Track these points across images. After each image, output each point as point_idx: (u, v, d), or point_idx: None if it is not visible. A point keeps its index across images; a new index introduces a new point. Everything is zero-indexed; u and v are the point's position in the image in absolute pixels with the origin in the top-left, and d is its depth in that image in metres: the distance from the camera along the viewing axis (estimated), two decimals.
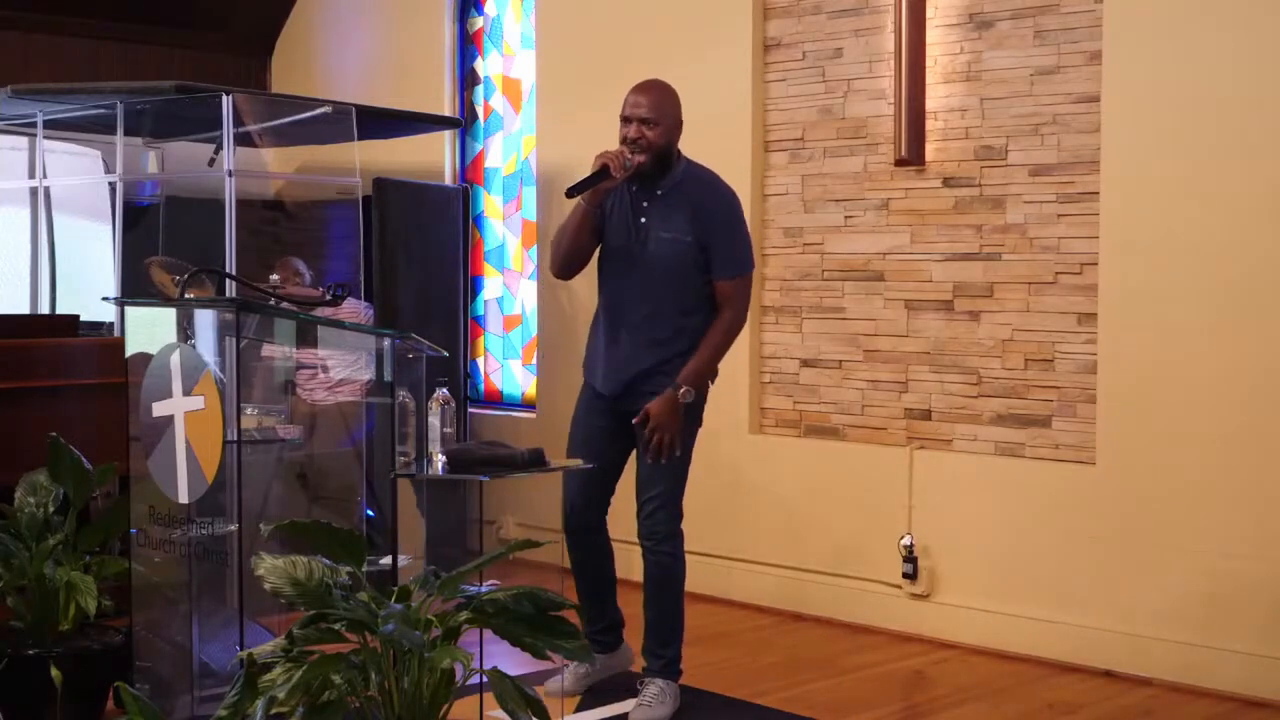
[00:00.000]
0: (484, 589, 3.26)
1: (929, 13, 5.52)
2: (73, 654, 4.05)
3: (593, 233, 4.46)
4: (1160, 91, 4.94)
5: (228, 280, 5.32)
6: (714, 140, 6.22)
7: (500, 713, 3.05)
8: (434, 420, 3.91)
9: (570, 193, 4.34)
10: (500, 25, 7.46)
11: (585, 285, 4.71)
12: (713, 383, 4.58)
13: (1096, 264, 5.11)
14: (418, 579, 3.27)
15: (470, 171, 7.59)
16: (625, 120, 4.38)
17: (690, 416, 4.47)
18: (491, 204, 7.51)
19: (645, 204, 4.42)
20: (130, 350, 4.25)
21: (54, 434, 4.32)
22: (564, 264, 4.53)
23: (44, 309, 7.07)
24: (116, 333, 6.08)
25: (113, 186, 6.63)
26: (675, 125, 4.42)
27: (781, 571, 6.01)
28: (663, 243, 4.38)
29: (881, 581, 5.68)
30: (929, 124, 5.55)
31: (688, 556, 6.31)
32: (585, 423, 4.58)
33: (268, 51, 8.64)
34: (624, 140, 4.36)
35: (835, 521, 5.84)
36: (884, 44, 5.69)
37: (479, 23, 7.57)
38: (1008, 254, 5.39)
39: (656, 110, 4.35)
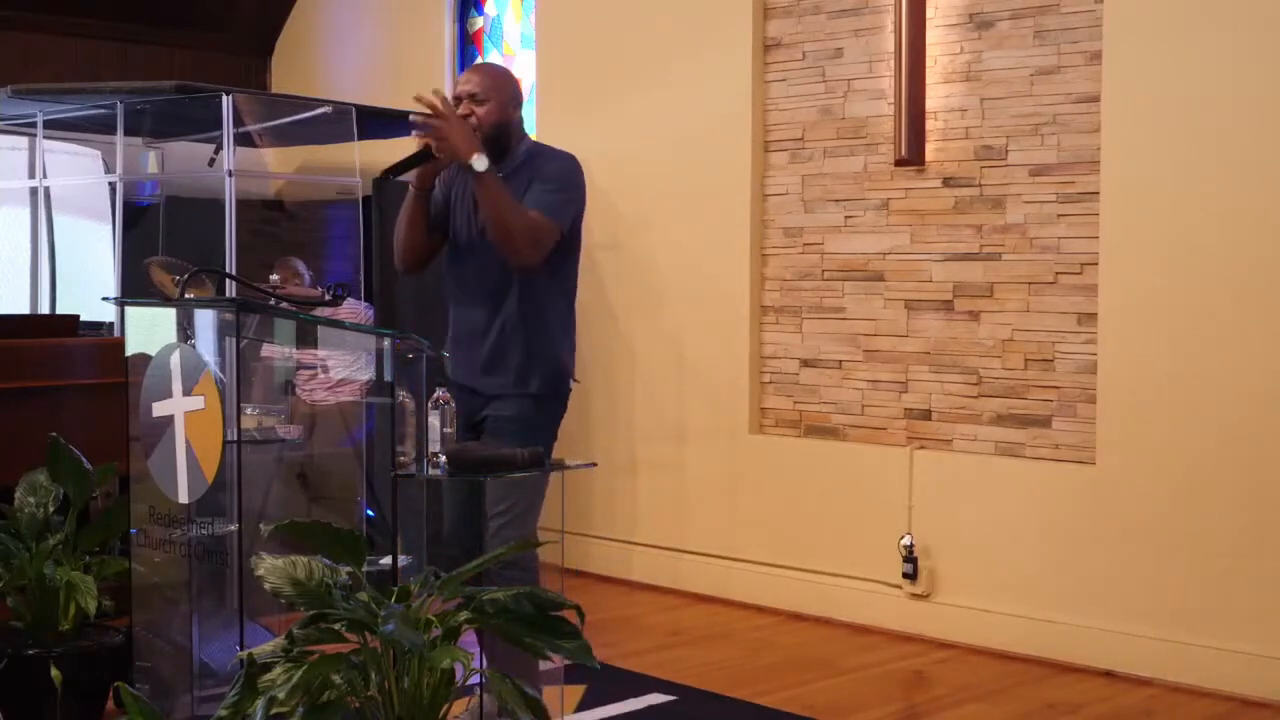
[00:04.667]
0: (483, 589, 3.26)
1: (929, 13, 5.52)
2: (73, 654, 4.04)
3: (430, 223, 4.15)
4: (1160, 91, 4.94)
5: (228, 280, 5.32)
6: (714, 140, 6.24)
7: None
8: (434, 420, 3.90)
9: (385, 174, 4.06)
10: (500, 25, 7.47)
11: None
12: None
13: (1096, 264, 5.11)
14: (418, 579, 3.27)
15: None
16: (456, 100, 4.10)
17: (545, 429, 4.19)
18: None
19: None
20: (130, 350, 4.24)
21: (54, 434, 4.32)
22: (401, 256, 4.21)
23: (44, 309, 7.07)
24: (116, 333, 6.08)
25: (113, 186, 6.64)
26: (509, 103, 4.11)
27: (781, 571, 6.01)
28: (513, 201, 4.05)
29: (881, 581, 5.68)
30: (929, 124, 5.55)
31: (690, 557, 6.32)
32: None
33: (268, 51, 8.64)
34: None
35: (835, 521, 5.84)
36: (884, 44, 5.69)
37: (479, 23, 7.58)
38: (1008, 254, 5.39)
39: (485, 87, 4.06)
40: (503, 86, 4.13)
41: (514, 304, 4.11)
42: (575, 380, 4.31)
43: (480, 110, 4.06)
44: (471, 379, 4.20)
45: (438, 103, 3.96)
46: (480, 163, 3.92)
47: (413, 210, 4.12)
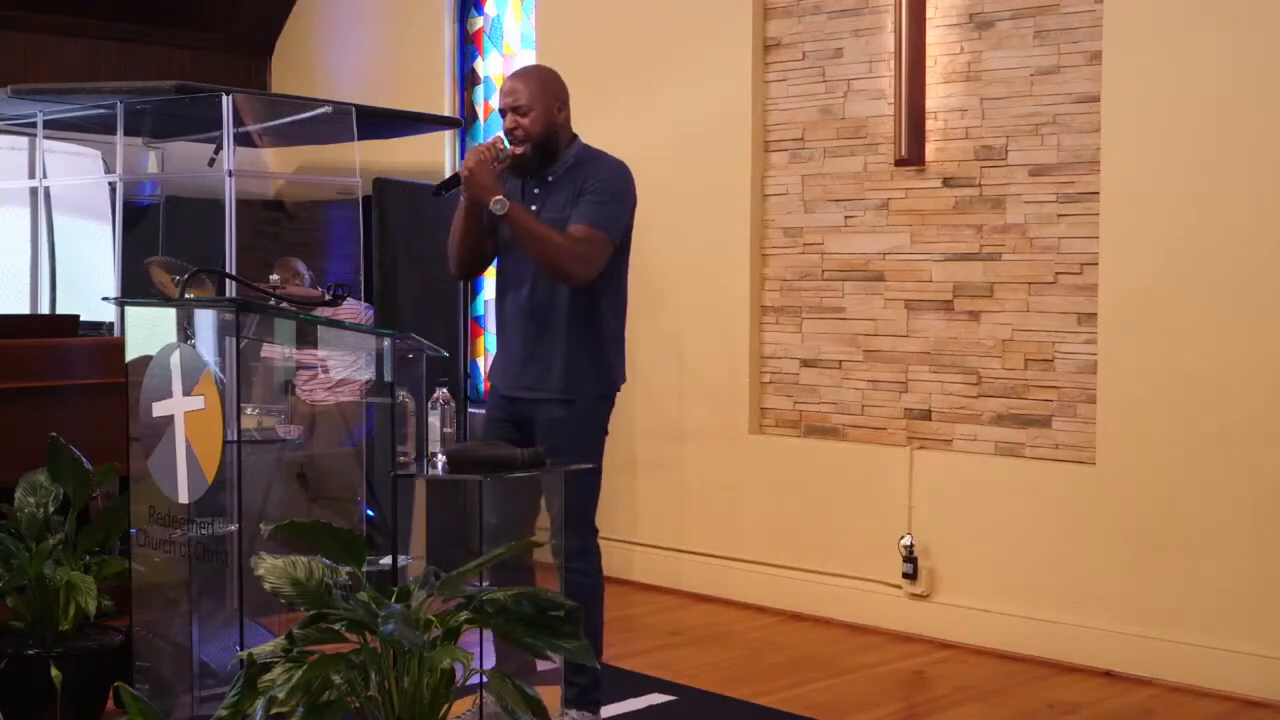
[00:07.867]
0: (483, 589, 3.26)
1: (929, 13, 5.51)
2: (73, 654, 4.05)
3: (484, 232, 4.18)
4: (1160, 91, 4.94)
5: (228, 280, 5.32)
6: (714, 140, 6.24)
7: None
8: (434, 420, 3.90)
9: (436, 192, 4.14)
10: (500, 25, 7.47)
11: None
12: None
13: (1096, 264, 5.11)
14: (418, 579, 3.27)
15: None
16: (501, 112, 4.15)
17: (594, 425, 4.25)
18: None
19: (536, 191, 4.16)
20: (130, 351, 4.24)
21: (54, 434, 4.32)
22: (457, 266, 4.27)
23: (44, 309, 7.06)
24: (116, 333, 6.08)
25: (113, 186, 6.63)
26: (555, 108, 4.12)
27: (782, 571, 6.01)
28: (547, 225, 4.09)
29: (881, 581, 5.68)
30: (929, 124, 5.55)
31: (690, 557, 6.32)
32: (488, 429, 4.35)
33: (268, 51, 8.64)
34: (505, 133, 4.13)
35: (835, 521, 5.84)
36: (884, 44, 5.69)
37: (479, 23, 7.57)
38: (1008, 254, 5.39)
39: (530, 96, 4.07)
40: (546, 91, 4.14)
41: (564, 313, 4.15)
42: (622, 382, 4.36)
43: (525, 120, 4.10)
44: (518, 387, 4.23)
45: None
46: (499, 207, 3.98)
47: (468, 224, 4.15)
